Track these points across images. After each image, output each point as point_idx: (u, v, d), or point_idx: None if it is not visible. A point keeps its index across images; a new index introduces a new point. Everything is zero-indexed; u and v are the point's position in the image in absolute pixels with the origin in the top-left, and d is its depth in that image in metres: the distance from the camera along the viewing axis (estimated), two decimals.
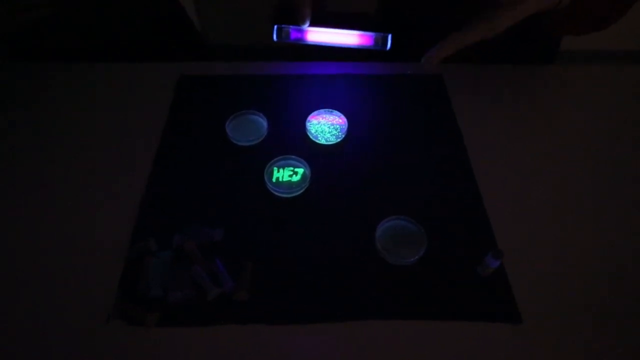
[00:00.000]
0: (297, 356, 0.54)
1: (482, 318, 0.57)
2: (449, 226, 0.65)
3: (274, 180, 0.69)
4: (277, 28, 0.71)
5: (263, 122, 0.75)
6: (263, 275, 0.60)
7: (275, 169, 0.70)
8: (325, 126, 0.76)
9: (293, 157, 0.70)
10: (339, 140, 0.74)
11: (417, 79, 0.85)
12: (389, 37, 0.73)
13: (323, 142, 0.74)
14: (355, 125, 0.76)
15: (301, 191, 0.68)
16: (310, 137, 0.74)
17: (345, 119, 0.76)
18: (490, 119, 0.78)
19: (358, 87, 0.83)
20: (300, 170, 0.70)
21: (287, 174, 0.69)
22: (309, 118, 0.76)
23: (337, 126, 0.76)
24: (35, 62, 0.84)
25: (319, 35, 0.72)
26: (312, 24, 0.71)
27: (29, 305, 0.57)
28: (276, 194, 0.67)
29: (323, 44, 0.74)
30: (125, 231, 0.63)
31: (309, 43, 0.73)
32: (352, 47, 0.74)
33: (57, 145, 0.73)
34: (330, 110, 0.77)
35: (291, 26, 0.71)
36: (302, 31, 0.71)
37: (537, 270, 0.61)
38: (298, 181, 0.69)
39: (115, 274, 0.59)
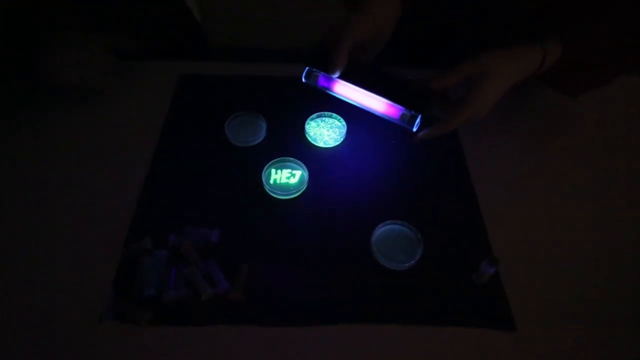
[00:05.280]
0: (290, 358, 0.54)
1: (476, 325, 0.57)
2: (445, 232, 0.65)
3: (271, 182, 0.68)
4: (308, 70, 0.67)
5: (262, 124, 0.75)
6: (258, 276, 0.60)
7: (273, 170, 0.70)
8: (324, 129, 0.76)
9: (291, 159, 0.70)
10: (337, 143, 0.74)
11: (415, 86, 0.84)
12: (419, 118, 0.64)
13: (322, 145, 0.74)
14: (354, 129, 0.76)
15: (298, 193, 0.68)
16: (309, 139, 0.74)
17: (344, 123, 0.76)
18: (488, 126, 0.78)
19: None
20: (298, 173, 0.70)
21: (285, 176, 0.69)
22: (308, 120, 0.76)
23: (336, 130, 0.76)
24: None
25: (346, 90, 0.67)
26: (346, 78, 0.66)
27: (23, 304, 0.57)
28: (273, 195, 0.67)
29: (349, 101, 0.69)
30: (121, 230, 0.63)
31: (335, 95, 0.68)
32: (376, 113, 0.68)
33: (55, 143, 0.73)
34: (330, 113, 0.77)
35: (322, 72, 0.66)
36: (330, 80, 0.67)
37: (532, 279, 0.61)
38: (295, 183, 0.69)
39: (110, 272, 0.59)
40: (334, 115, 0.77)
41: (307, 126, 0.75)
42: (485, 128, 0.78)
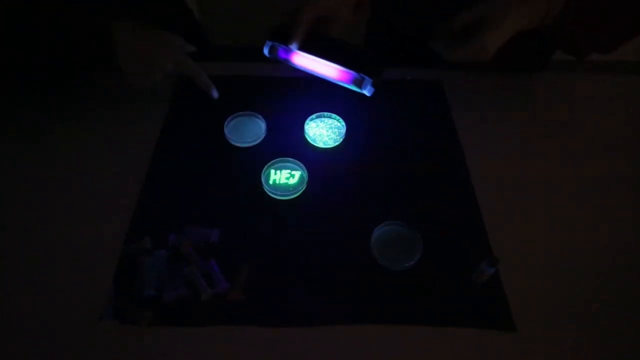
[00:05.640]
0: (290, 358, 0.54)
1: (476, 325, 0.57)
2: (445, 232, 0.65)
3: (271, 182, 0.68)
4: (270, 45, 0.73)
5: (261, 124, 0.75)
6: (257, 277, 0.60)
7: (273, 171, 0.70)
8: (324, 130, 0.76)
9: (291, 159, 0.70)
10: (337, 144, 0.74)
11: (417, 85, 0.85)
12: (368, 80, 0.70)
13: (321, 145, 0.74)
14: (353, 129, 0.76)
15: (298, 194, 0.68)
16: (309, 140, 0.74)
17: (344, 123, 0.76)
18: (488, 126, 0.79)
19: (358, 92, 0.83)
20: (298, 173, 0.70)
21: (284, 177, 0.69)
22: (308, 121, 0.76)
23: (336, 130, 0.76)
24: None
25: (303, 60, 0.73)
26: (304, 50, 0.71)
27: (23, 303, 0.57)
28: (273, 196, 0.67)
29: (307, 70, 0.74)
30: (121, 229, 0.63)
31: (294, 66, 0.74)
32: (334, 81, 0.73)
33: (55, 143, 0.73)
34: (329, 114, 0.77)
35: (281, 45, 0.72)
36: (289, 52, 0.72)
37: (532, 279, 0.61)
38: (295, 184, 0.69)
39: (110, 272, 0.59)
40: (333, 115, 0.77)
41: (306, 126, 0.75)
42: (485, 128, 0.78)
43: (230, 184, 0.69)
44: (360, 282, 0.60)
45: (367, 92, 0.71)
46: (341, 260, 0.62)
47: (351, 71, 0.71)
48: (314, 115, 0.76)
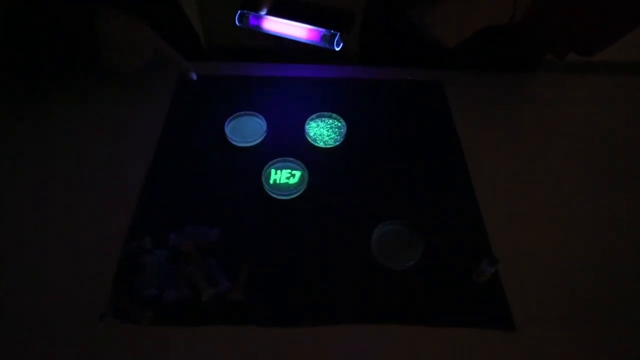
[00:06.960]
0: (290, 358, 0.54)
1: (475, 325, 0.57)
2: (445, 232, 0.65)
3: (271, 182, 0.69)
4: (240, 13, 0.75)
5: (262, 124, 0.75)
6: (258, 276, 0.60)
7: (273, 170, 0.70)
8: (324, 129, 0.76)
9: (291, 159, 0.70)
10: (337, 144, 0.74)
11: (417, 85, 0.85)
12: (337, 35, 0.71)
13: (321, 145, 0.74)
14: (354, 129, 0.76)
15: (298, 194, 0.68)
16: (309, 140, 0.74)
17: (344, 123, 0.76)
18: (488, 126, 0.79)
19: (359, 91, 0.84)
20: (298, 173, 0.70)
21: (285, 176, 0.69)
22: (308, 121, 0.76)
23: (336, 130, 0.76)
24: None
25: (273, 24, 0.75)
26: (273, 14, 0.73)
27: (23, 302, 0.57)
28: (273, 195, 0.67)
29: (278, 34, 0.75)
30: (122, 229, 0.63)
31: (266, 31, 0.76)
32: (305, 41, 0.74)
33: (56, 143, 0.73)
34: (330, 113, 0.77)
35: (252, 13, 0.75)
36: (260, 18, 0.75)
37: (532, 279, 0.61)
38: (295, 184, 0.69)
39: (110, 271, 0.59)
40: (334, 115, 0.77)
41: (307, 126, 0.75)
42: (485, 127, 0.78)
43: (231, 183, 0.69)
44: (360, 282, 0.60)
45: (335, 46, 0.72)
46: (341, 260, 0.62)
47: (321, 29, 0.72)
48: (314, 115, 0.76)
